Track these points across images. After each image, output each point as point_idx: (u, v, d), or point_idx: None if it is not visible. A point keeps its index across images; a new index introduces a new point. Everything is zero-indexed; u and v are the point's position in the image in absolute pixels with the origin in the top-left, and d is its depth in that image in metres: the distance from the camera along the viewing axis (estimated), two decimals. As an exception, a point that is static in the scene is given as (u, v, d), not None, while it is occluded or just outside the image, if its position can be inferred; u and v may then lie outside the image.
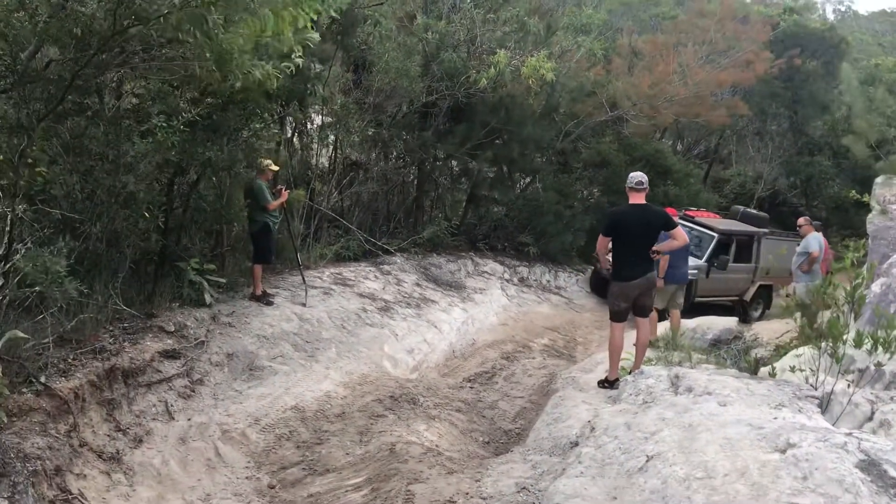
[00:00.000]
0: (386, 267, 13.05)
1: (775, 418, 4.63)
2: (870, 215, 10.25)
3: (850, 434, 4.16)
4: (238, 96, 8.34)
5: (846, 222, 24.36)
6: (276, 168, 9.87)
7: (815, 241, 11.54)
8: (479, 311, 13.25)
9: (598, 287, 15.50)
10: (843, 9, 31.32)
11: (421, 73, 13.15)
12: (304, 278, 10.38)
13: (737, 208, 17.38)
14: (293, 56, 7.76)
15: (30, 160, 6.75)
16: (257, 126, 9.11)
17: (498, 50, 12.76)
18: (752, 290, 16.07)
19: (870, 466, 3.82)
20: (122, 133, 7.85)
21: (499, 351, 11.62)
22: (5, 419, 5.20)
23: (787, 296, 13.16)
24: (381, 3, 12.87)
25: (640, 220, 6.96)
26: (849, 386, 5.58)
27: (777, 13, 26.45)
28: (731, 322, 12.29)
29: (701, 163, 28.25)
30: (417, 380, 9.29)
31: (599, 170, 17.48)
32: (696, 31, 17.80)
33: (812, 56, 26.88)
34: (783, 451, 4.05)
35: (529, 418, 8.09)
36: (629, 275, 7.02)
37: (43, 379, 5.88)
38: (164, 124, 7.66)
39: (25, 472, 4.84)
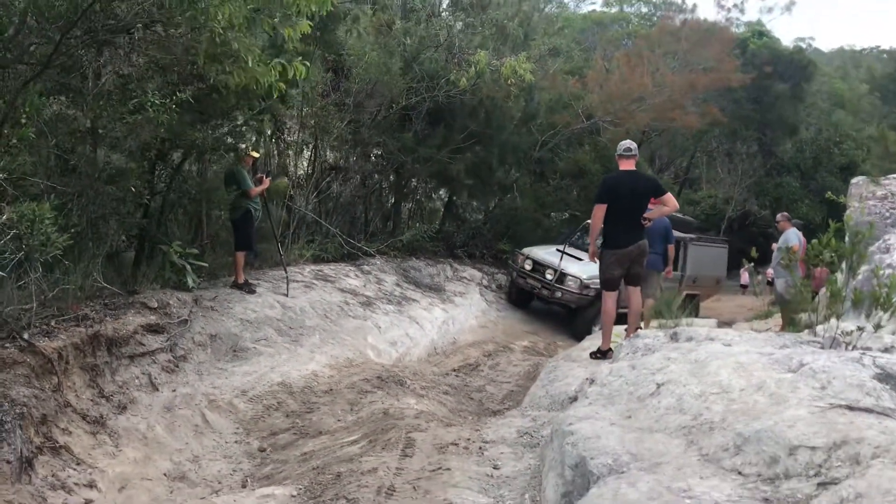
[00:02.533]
0: (366, 267, 12.92)
1: (782, 347, 4.59)
2: (847, 211, 10.40)
3: (863, 353, 4.13)
4: (226, 82, 8.27)
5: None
6: (256, 154, 9.75)
7: (794, 235, 11.59)
8: (459, 312, 13.16)
9: (519, 298, 14.64)
10: (804, 45, 32.19)
11: (401, 72, 13.15)
12: (285, 268, 10.22)
13: None
14: (285, 46, 7.75)
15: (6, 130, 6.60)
16: (248, 112, 9.03)
17: (478, 51, 12.81)
18: (678, 300, 15.56)
19: (887, 378, 3.78)
20: (109, 109, 7.72)
21: (480, 350, 11.52)
22: (-9, 358, 4.99)
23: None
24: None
25: (631, 186, 6.95)
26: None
27: (746, 35, 27.02)
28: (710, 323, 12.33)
29: (673, 184, 28.58)
30: (402, 366, 9.15)
31: (576, 179, 17.57)
32: (666, 42, 18.13)
33: (780, 78, 27.47)
34: (796, 371, 4.00)
35: (518, 399, 7.99)
36: (623, 242, 6.98)
37: (26, 336, 5.67)
38: (156, 101, 7.54)
39: (13, 413, 4.64)
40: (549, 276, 13.21)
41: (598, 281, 11.46)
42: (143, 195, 8.44)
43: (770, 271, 13.79)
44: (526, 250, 14.13)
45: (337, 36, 12.62)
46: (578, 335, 12.38)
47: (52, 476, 4.83)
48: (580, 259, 13.14)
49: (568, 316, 13.83)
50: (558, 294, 13.09)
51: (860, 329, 5.43)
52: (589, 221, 13.67)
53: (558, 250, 13.67)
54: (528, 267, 13.66)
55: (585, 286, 12.82)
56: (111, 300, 7.45)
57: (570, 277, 12.98)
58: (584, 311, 13.15)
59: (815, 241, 6.01)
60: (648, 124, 17.67)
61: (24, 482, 4.52)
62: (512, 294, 14.76)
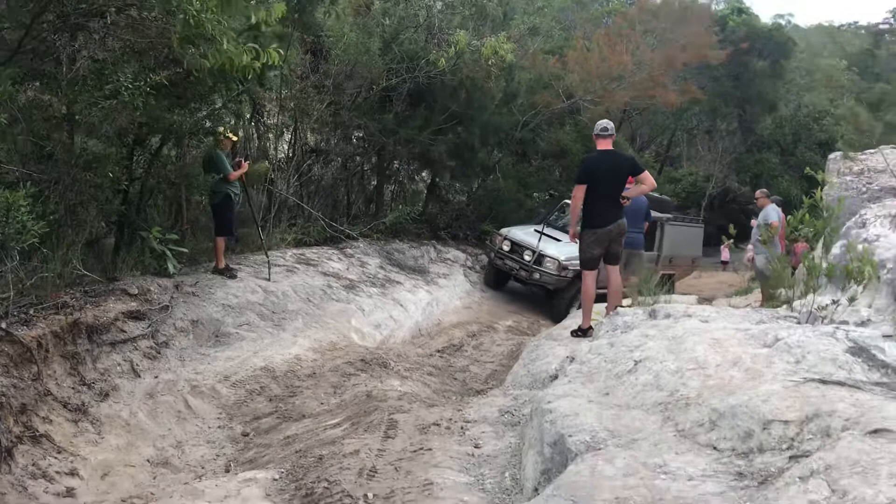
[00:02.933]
0: (349, 251, 12.90)
1: (759, 323, 4.64)
2: (826, 188, 10.46)
3: (837, 327, 4.18)
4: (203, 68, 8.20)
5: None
6: (234, 138, 9.69)
7: (773, 211, 11.67)
8: (443, 294, 13.18)
9: (496, 280, 14.54)
10: (783, 22, 32.25)
11: (381, 53, 13.07)
12: (266, 253, 10.17)
13: None
14: (261, 25, 7.68)
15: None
16: (226, 95, 8.96)
17: (458, 31, 12.75)
18: (654, 280, 15.36)
19: (860, 351, 3.83)
20: (85, 94, 7.63)
21: (465, 331, 11.57)
22: (-32, 348, 4.96)
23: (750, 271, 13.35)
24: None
25: (610, 165, 6.97)
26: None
27: (725, 12, 27.04)
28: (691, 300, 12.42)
29: (654, 163, 28.67)
30: (387, 348, 9.18)
31: (558, 159, 17.58)
32: (644, 20, 18.14)
33: (760, 55, 27.55)
34: (772, 346, 4.05)
35: (501, 379, 8.03)
36: (603, 221, 7.01)
37: (4, 325, 5.64)
38: (130, 85, 7.46)
39: (-9, 403, 4.62)
40: (527, 258, 13.09)
41: (577, 262, 11.60)
42: (122, 181, 8.38)
43: (750, 247, 13.89)
44: (504, 231, 14.00)
45: (315, 17, 12.52)
46: (556, 317, 12.40)
47: (33, 465, 4.83)
48: (558, 240, 13.16)
49: (546, 297, 13.71)
50: (536, 275, 12.97)
51: (835, 303, 5.50)
52: (566, 201, 13.71)
53: (536, 231, 13.59)
54: (506, 248, 13.53)
55: (563, 267, 12.70)
56: (91, 287, 7.41)
57: (548, 259, 12.87)
58: (562, 293, 13.05)
59: (790, 216, 6.08)
60: (629, 103, 17.68)
61: (4, 471, 4.52)
62: (489, 275, 14.60)
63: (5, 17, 6.77)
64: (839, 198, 7.33)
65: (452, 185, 17.47)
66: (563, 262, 12.67)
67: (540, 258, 12.92)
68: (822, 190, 5.99)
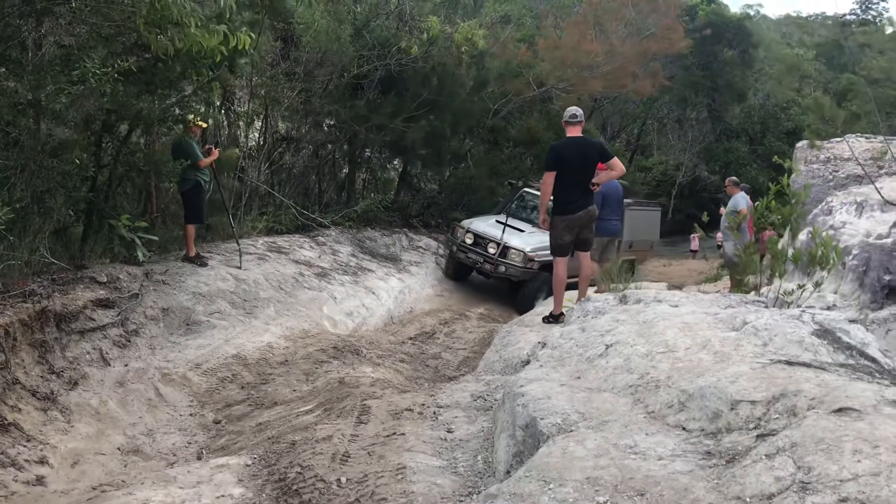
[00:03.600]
0: (321, 239, 12.85)
1: (727, 308, 4.71)
2: (793, 175, 10.61)
3: (803, 311, 4.26)
4: (169, 52, 8.11)
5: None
6: (203, 125, 9.61)
7: (742, 199, 11.80)
8: (415, 281, 13.19)
9: (458, 271, 14.16)
10: (752, 13, 32.43)
11: (351, 40, 13.01)
12: (237, 241, 10.11)
13: None
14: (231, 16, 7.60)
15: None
16: (196, 82, 8.86)
17: (429, 17, 12.73)
18: (617, 265, 15.01)
19: (825, 333, 3.92)
20: (50, 80, 7.51)
21: (437, 318, 11.59)
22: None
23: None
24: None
25: (579, 152, 7.01)
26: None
27: (695, 2, 27.24)
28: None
29: (624, 152, 28.84)
30: (359, 336, 9.18)
31: (529, 147, 17.62)
32: (614, 8, 18.23)
33: (729, 45, 27.81)
34: (740, 329, 4.12)
35: (473, 366, 8.07)
36: (573, 208, 7.05)
37: (-30, 313, 5.56)
38: (96, 70, 7.35)
39: (-43, 391, 4.56)
40: (491, 250, 12.74)
41: (543, 253, 11.62)
42: (90, 168, 8.27)
43: (719, 235, 14.04)
44: (465, 223, 13.62)
45: (286, 4, 12.41)
46: (521, 309, 12.07)
47: (2, 453, 4.78)
48: (521, 230, 13.02)
49: (511, 288, 13.33)
50: (501, 268, 12.65)
51: (801, 287, 5.60)
52: (526, 189, 13.67)
53: (498, 222, 13.30)
54: (468, 241, 13.13)
55: (530, 259, 12.46)
56: (59, 275, 7.32)
57: (513, 251, 12.58)
58: (528, 284, 12.78)
59: (758, 203, 6.15)
60: (600, 91, 17.75)
61: (-27, 460, 4.47)
62: (450, 268, 14.24)
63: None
64: (805, 185, 7.46)
65: (424, 174, 17.45)
66: (529, 254, 12.46)
67: (505, 250, 12.64)
68: (788, 177, 6.08)
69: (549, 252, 11.47)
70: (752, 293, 5.72)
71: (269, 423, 5.59)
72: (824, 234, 7.36)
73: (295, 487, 3.84)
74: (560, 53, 16.81)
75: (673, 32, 18.64)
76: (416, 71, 13.79)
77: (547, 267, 11.94)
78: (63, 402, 5.80)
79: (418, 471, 3.89)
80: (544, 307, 9.10)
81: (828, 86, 32.88)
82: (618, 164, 7.14)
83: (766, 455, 2.66)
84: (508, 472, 3.57)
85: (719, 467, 2.78)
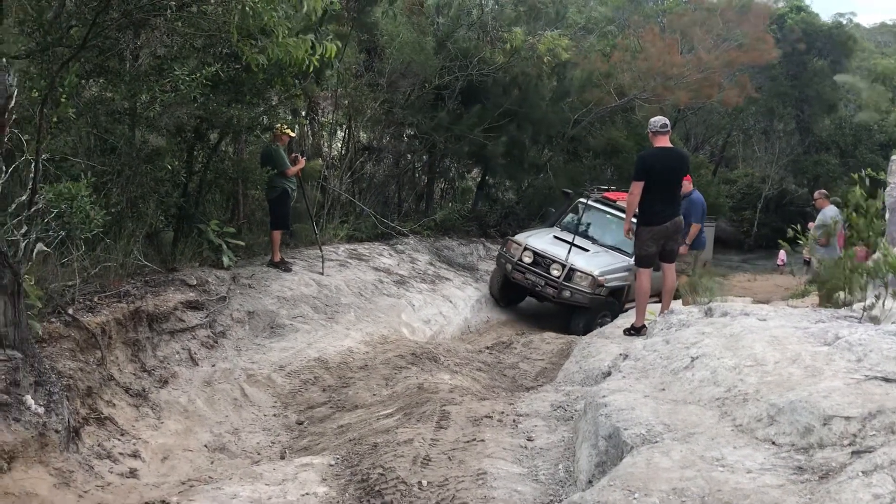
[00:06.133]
0: (399, 247, 13.00)
1: (818, 322, 4.58)
2: (888, 188, 10.21)
3: (900, 327, 4.11)
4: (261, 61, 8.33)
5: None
6: (292, 133, 9.85)
7: (832, 213, 11.44)
8: (493, 291, 13.18)
9: (509, 294, 12.56)
10: (843, 20, 31.38)
11: (435, 51, 13.15)
12: (320, 247, 10.31)
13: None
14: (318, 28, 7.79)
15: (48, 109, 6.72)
16: (282, 91, 9.12)
17: (512, 28, 12.78)
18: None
19: (924, 351, 3.76)
20: (145, 89, 7.83)
21: (513, 328, 11.58)
22: (39, 330, 5.14)
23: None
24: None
25: (667, 162, 6.93)
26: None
27: (784, 10, 26.54)
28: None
29: (709, 163, 28.26)
30: (436, 343, 9.23)
31: (610, 158, 17.46)
32: (700, 18, 17.97)
33: (819, 54, 26.98)
34: (832, 344, 3.99)
35: (551, 377, 8.02)
36: (659, 219, 6.95)
37: (71, 311, 5.83)
38: (186, 77, 7.63)
39: (60, 385, 4.78)
40: (555, 273, 11.16)
41: (612, 276, 11.22)
42: (181, 174, 8.60)
43: (806, 250, 13.60)
44: (521, 238, 12.06)
45: (371, 16, 12.66)
46: (573, 332, 10.79)
47: (98, 446, 4.99)
48: (586, 250, 11.65)
49: (570, 313, 11.61)
50: (566, 293, 11.07)
51: (878, 298, 5.40)
52: (581, 200, 12.90)
53: (557, 238, 11.97)
54: (527, 260, 11.52)
55: (598, 283, 10.96)
56: (151, 277, 7.61)
57: (579, 273, 11.04)
58: (587, 311, 11.25)
59: (852, 215, 5.95)
60: (685, 103, 17.46)
61: (72, 451, 4.68)
62: (497, 289, 12.52)
63: (72, 15, 6.98)
64: (879, 196, 7.15)
65: (502, 183, 17.48)
66: (598, 278, 10.98)
67: (570, 273, 11.09)
68: (884, 191, 5.87)
69: (617, 276, 11.38)
70: (844, 308, 5.53)
71: (351, 425, 5.68)
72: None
73: (377, 488, 3.89)
74: (643, 64, 16.61)
75: (762, 42, 18.20)
76: (496, 81, 13.86)
77: (615, 293, 11.37)
78: (154, 400, 6.02)
79: (499, 477, 3.89)
80: (629, 317, 8.92)
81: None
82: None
83: (862, 472, 2.58)
84: (590, 482, 3.55)
85: (812, 482, 2.70)
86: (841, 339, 3.98)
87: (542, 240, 11.99)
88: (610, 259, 11.61)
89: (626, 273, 11.33)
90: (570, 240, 11.45)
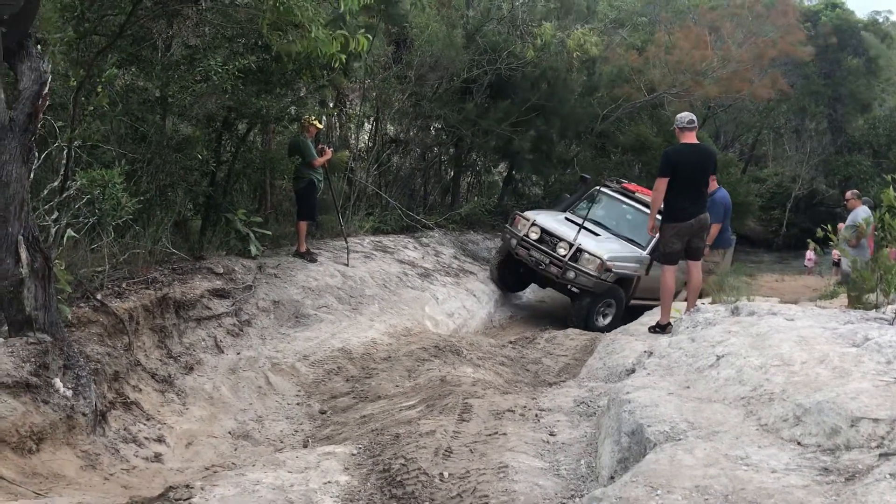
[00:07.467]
0: (424, 240, 13.02)
1: (847, 323, 4.52)
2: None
3: (932, 329, 4.05)
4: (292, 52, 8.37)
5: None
6: (319, 125, 9.89)
7: (863, 213, 11.27)
8: (517, 285, 13.17)
9: (510, 276, 12.31)
10: (879, 18, 30.77)
11: (464, 45, 13.13)
12: (346, 239, 10.34)
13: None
14: (347, 20, 7.81)
15: (83, 98, 6.81)
16: (311, 83, 9.16)
17: (542, 23, 12.73)
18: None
19: (956, 354, 3.70)
20: (177, 78, 7.90)
21: (537, 324, 11.54)
22: (69, 314, 5.22)
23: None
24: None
25: (693, 159, 6.86)
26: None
27: (818, 7, 26.18)
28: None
29: (738, 161, 27.95)
30: (459, 337, 9.24)
31: (638, 153, 17.34)
32: (730, 14, 17.81)
33: (854, 53, 26.58)
34: (861, 345, 3.94)
35: (575, 373, 8.00)
36: (683, 215, 6.90)
37: (99, 297, 5.91)
38: (219, 69, 7.69)
39: (88, 369, 4.85)
40: (561, 251, 10.66)
41: (621, 263, 11.04)
42: (210, 164, 8.67)
43: (835, 251, 13.42)
44: (530, 214, 11.60)
45: (400, 9, 12.66)
46: (573, 324, 10.52)
47: (124, 430, 5.06)
48: (597, 234, 11.24)
49: (571, 299, 11.16)
50: (570, 274, 10.51)
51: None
52: (598, 188, 12.60)
53: (568, 219, 11.56)
54: (533, 236, 11.07)
55: (606, 268, 10.44)
56: (179, 265, 7.69)
57: (587, 255, 10.50)
58: (590, 299, 10.75)
59: (885, 216, 5.85)
60: (715, 98, 17.29)
61: (99, 434, 4.75)
62: (499, 269, 12.19)
63: (108, 4, 7.06)
64: None
65: (529, 178, 17.42)
66: (607, 262, 10.45)
67: (577, 253, 10.57)
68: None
69: (626, 265, 11.23)
70: (874, 311, 5.46)
71: (373, 415, 5.71)
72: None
73: (399, 478, 3.91)
74: (673, 58, 16.46)
75: (791, 35, 17.99)
76: (525, 76, 13.80)
77: (623, 282, 11.02)
78: (179, 386, 6.09)
79: (520, 471, 3.89)
80: (652, 316, 8.86)
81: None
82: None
83: (890, 474, 2.55)
84: (612, 478, 3.53)
85: (838, 484, 2.67)
86: (870, 340, 3.93)
87: (551, 218, 11.64)
88: (620, 247, 11.26)
89: (636, 265, 11.08)
90: (581, 223, 11.00)
